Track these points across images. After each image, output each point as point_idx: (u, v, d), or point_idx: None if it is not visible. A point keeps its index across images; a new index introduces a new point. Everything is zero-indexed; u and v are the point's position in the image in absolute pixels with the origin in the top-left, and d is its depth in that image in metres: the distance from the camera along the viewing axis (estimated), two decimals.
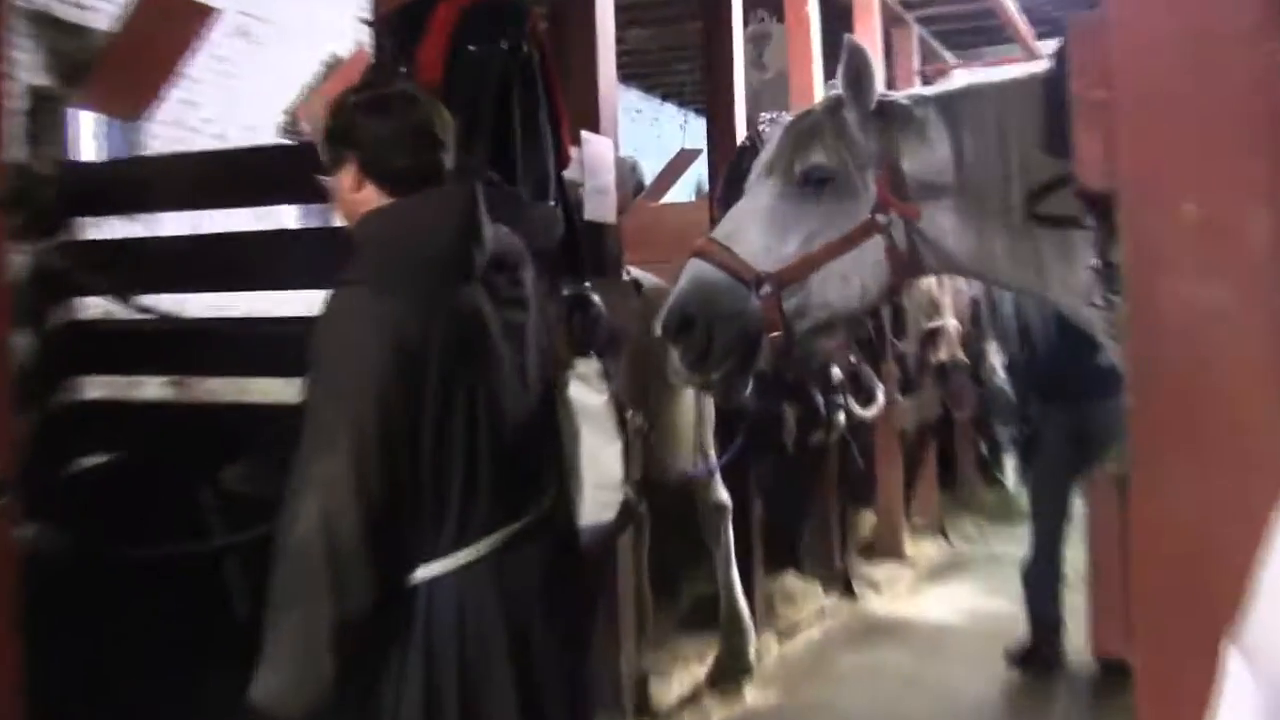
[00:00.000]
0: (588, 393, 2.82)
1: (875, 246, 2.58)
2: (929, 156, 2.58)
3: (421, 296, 2.09)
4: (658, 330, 2.59)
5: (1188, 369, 1.32)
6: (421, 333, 2.06)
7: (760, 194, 2.65)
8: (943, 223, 2.58)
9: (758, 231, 2.59)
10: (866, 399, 6.27)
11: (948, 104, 2.61)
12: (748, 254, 2.57)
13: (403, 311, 2.05)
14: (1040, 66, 2.49)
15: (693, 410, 4.99)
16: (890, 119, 2.61)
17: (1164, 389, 1.33)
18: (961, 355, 6.68)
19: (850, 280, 2.59)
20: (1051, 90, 2.20)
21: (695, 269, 2.59)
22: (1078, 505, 5.40)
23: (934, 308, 6.98)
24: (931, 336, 6.75)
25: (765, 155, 2.72)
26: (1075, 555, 5.39)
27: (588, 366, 2.94)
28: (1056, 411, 5.41)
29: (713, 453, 5.17)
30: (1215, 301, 1.31)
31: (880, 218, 2.57)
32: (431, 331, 2.07)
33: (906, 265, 2.62)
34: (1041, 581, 5.43)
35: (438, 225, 2.19)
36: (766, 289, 2.54)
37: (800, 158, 2.61)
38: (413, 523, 2.08)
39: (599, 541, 2.62)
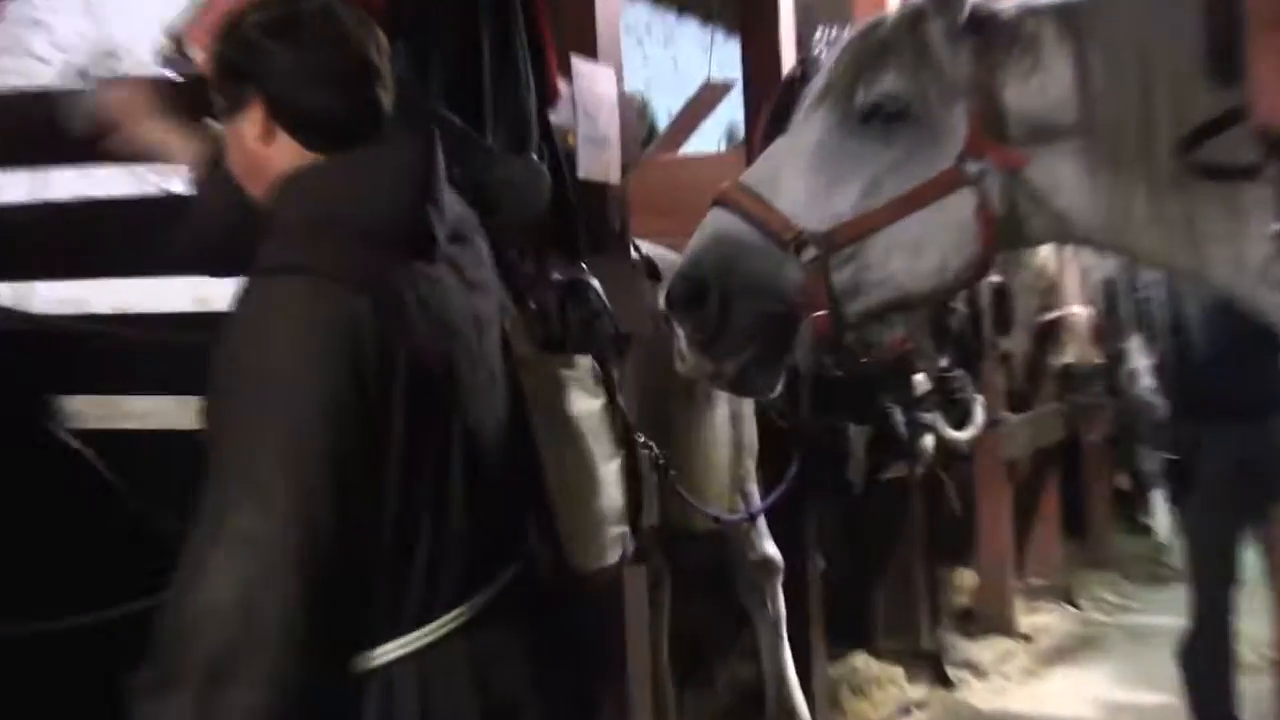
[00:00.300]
0: (579, 397, 2.82)
1: (961, 204, 2.56)
2: (1042, 86, 2.57)
3: (376, 288, 2.08)
4: (661, 302, 2.59)
5: None
6: (380, 339, 2.05)
7: (808, 129, 2.64)
8: (1061, 174, 2.57)
9: (803, 177, 2.58)
10: (962, 417, 6.26)
11: (1069, 15, 2.60)
12: (787, 206, 2.55)
13: (352, 310, 2.04)
14: None
15: (728, 434, 4.99)
16: (990, 36, 2.60)
17: None
18: (1094, 355, 6.67)
19: (924, 249, 2.57)
20: (1216, 2, 2.20)
21: (716, 222, 2.58)
22: (1252, 561, 5.39)
23: (1052, 292, 6.96)
24: (1050, 331, 6.73)
25: (819, 79, 2.70)
26: (1252, 628, 5.37)
27: (580, 368, 2.93)
28: (1220, 434, 5.41)
29: (756, 491, 5.18)
30: None
31: (970, 167, 2.55)
32: (393, 337, 2.06)
33: (1003, 232, 2.60)
34: (1204, 664, 5.40)
35: (388, 190, 2.19)
36: (810, 253, 2.52)
37: (866, 82, 2.59)
38: (366, 596, 2.07)
39: (597, 594, 2.64)
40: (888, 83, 2.58)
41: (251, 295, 2.08)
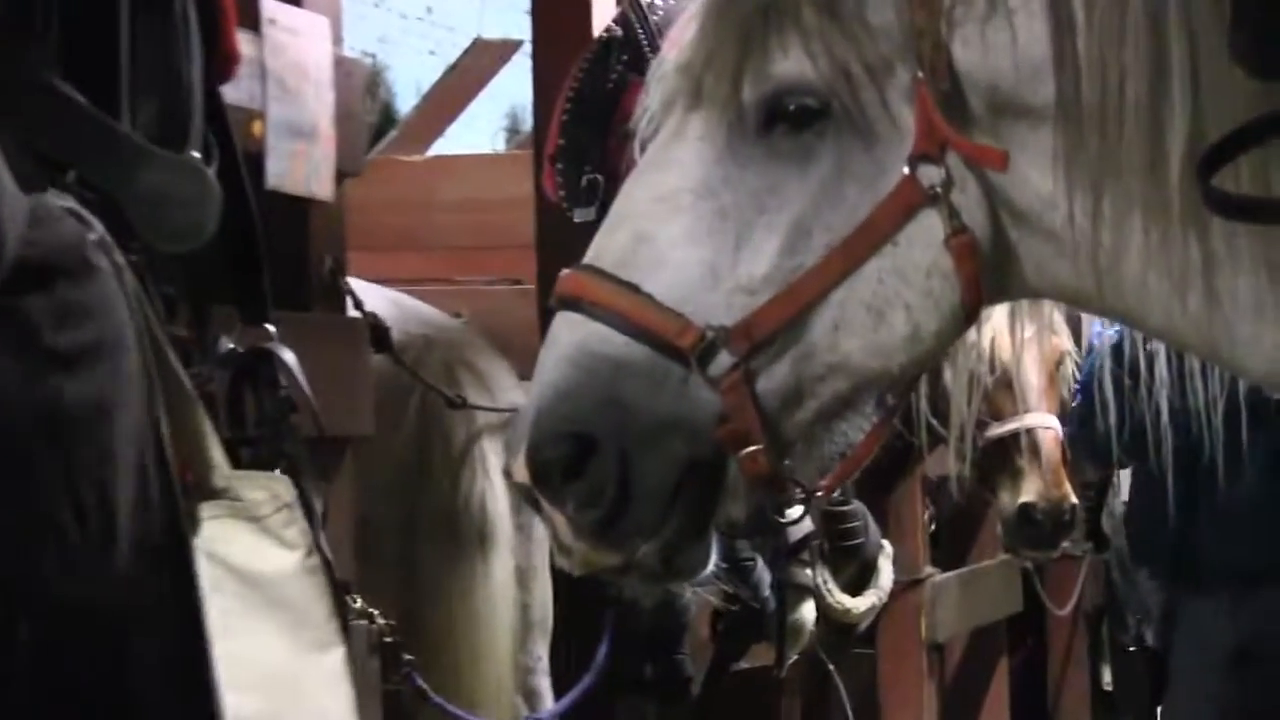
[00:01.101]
0: (265, 547, 2.79)
1: (926, 234, 2.61)
2: (1006, 39, 2.63)
3: None
4: (517, 468, 2.58)
5: None
6: None
7: (677, 156, 2.68)
8: (1032, 182, 2.63)
9: (686, 239, 2.61)
10: (861, 574, 6.34)
11: None
12: (674, 291, 2.58)
13: None
14: None
15: (510, 597, 4.99)
16: None
17: None
18: (1066, 491, 6.79)
19: (888, 313, 2.62)
20: None
21: (574, 336, 2.61)
22: None
23: (1006, 389, 7.07)
24: (1001, 451, 6.85)
25: (677, 59, 2.74)
26: None
27: (269, 489, 2.89)
28: (1221, 607, 5.59)
29: (547, 688, 5.23)
30: None
31: (928, 173, 2.60)
32: None
33: (990, 266, 2.67)
34: None
35: None
36: (723, 360, 2.56)
37: (755, 67, 2.63)
38: None
39: None
40: (789, 65, 2.61)
41: None
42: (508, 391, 5.06)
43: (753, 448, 2.56)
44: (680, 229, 2.60)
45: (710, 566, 2.69)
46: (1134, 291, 2.63)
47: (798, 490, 2.71)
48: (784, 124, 2.59)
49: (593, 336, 2.57)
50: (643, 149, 2.80)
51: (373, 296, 4.60)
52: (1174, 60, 2.51)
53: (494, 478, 4.87)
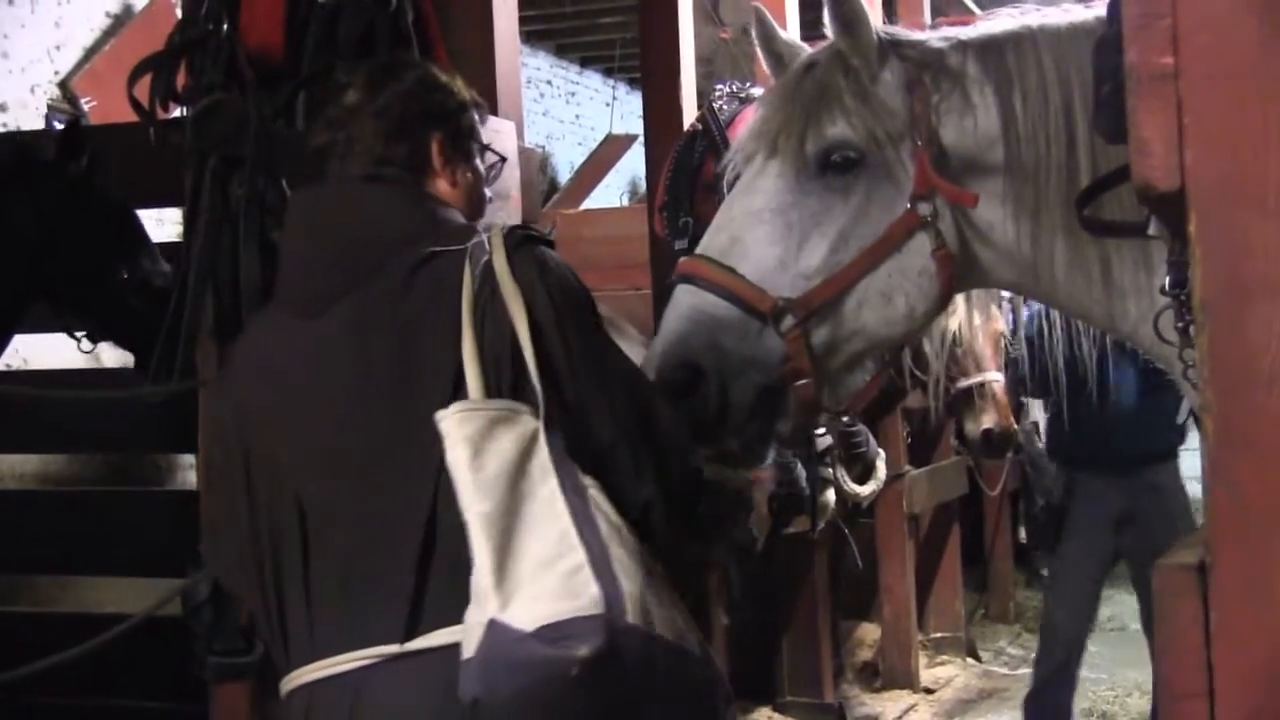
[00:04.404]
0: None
1: (920, 249, 2.62)
2: (971, 124, 2.62)
3: None
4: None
5: None
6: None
7: (760, 186, 2.66)
8: (989, 216, 2.63)
9: (766, 240, 2.61)
10: (864, 471, 6.31)
11: (989, 52, 2.64)
12: (757, 274, 2.58)
13: None
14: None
15: None
16: (918, 69, 2.65)
17: (1259, 452, 1.35)
18: (1013, 423, 6.73)
19: (893, 297, 2.63)
20: (1103, 58, 2.26)
21: (689, 300, 2.60)
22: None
23: (967, 357, 7.00)
24: (966, 397, 6.76)
25: (755, 127, 2.74)
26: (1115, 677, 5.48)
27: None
28: (1097, 485, 5.56)
29: None
30: None
31: (923, 207, 2.61)
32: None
33: (959, 269, 2.67)
34: (1053, 714, 5.54)
35: None
36: (788, 321, 2.57)
37: (814, 131, 2.63)
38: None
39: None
40: (838, 128, 2.62)
41: None
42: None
43: (804, 380, 2.58)
44: (762, 233, 2.61)
45: (770, 460, 2.73)
46: (1057, 283, 2.65)
47: (827, 413, 2.75)
48: (833, 169, 2.61)
49: (703, 300, 2.58)
50: (729, 188, 2.81)
51: None
52: (1080, 134, 2.52)
53: None
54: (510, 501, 2.08)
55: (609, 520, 2.16)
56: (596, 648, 1.99)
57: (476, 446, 2.10)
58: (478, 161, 2.61)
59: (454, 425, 2.13)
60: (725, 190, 2.87)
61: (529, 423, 2.16)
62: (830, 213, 2.61)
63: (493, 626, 2.00)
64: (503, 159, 2.75)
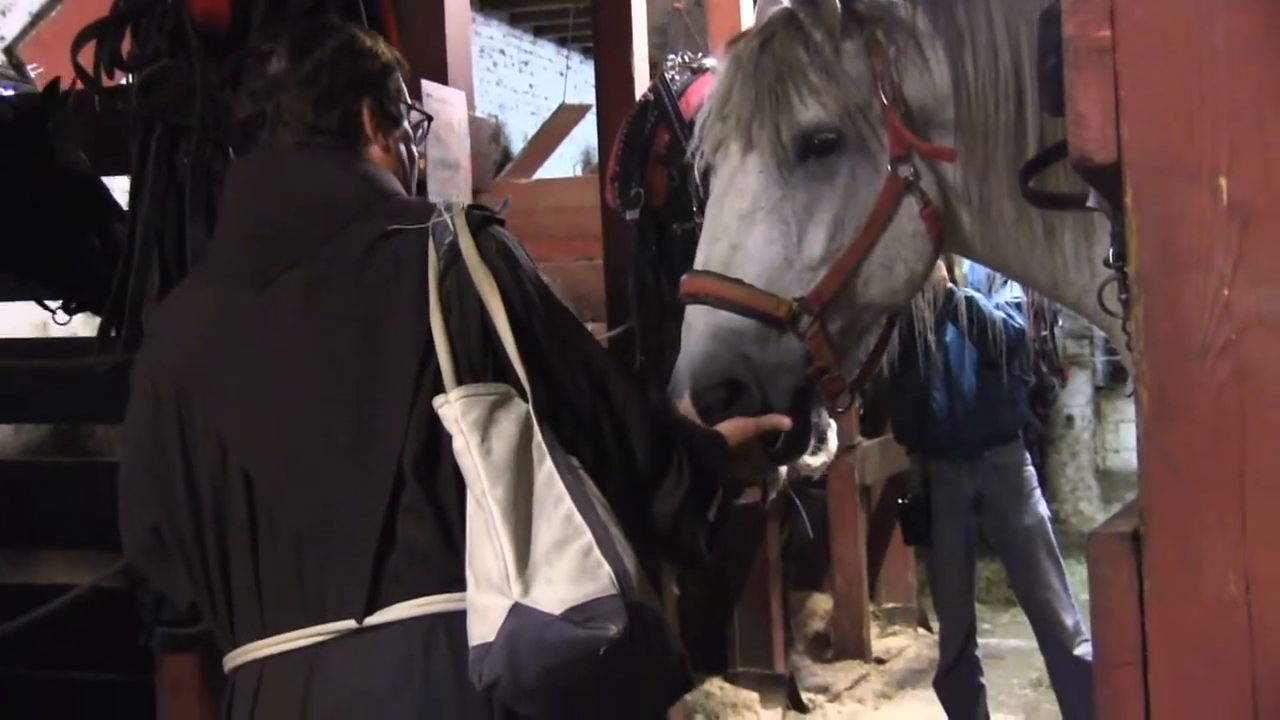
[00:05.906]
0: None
1: (909, 212, 2.64)
2: (930, 80, 2.63)
3: None
4: (684, 407, 2.57)
5: (1225, 396, 1.36)
6: None
7: (745, 185, 2.64)
8: (948, 177, 2.65)
9: (765, 241, 2.61)
10: (816, 441, 6.32)
11: (939, 6, 2.64)
12: (764, 278, 2.59)
13: None
14: None
15: None
16: (872, 25, 2.63)
17: (1193, 423, 1.37)
18: None
19: (894, 267, 2.66)
20: (1047, 31, 2.26)
21: (706, 320, 2.61)
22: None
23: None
24: None
25: (718, 108, 2.71)
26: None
27: None
28: (951, 471, 5.69)
29: None
30: (1262, 307, 1.36)
31: (904, 169, 2.62)
32: None
33: (945, 224, 2.69)
34: (961, 693, 5.60)
35: None
36: (805, 321, 2.59)
37: (787, 118, 2.61)
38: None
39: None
40: (811, 111, 2.61)
41: None
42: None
43: (829, 373, 2.63)
44: (760, 235, 2.61)
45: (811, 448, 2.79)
46: (1005, 247, 2.68)
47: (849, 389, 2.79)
48: (814, 153, 2.61)
49: (721, 318, 2.59)
50: (702, 179, 2.83)
51: None
52: (1029, 97, 2.53)
53: None
54: (518, 484, 2.11)
55: (599, 498, 2.19)
56: (624, 627, 2.04)
57: (484, 431, 2.12)
58: (406, 124, 2.57)
59: (459, 411, 2.13)
60: (699, 179, 2.88)
61: (520, 405, 2.17)
62: (820, 200, 2.61)
63: (517, 610, 2.02)
64: (428, 117, 2.70)
